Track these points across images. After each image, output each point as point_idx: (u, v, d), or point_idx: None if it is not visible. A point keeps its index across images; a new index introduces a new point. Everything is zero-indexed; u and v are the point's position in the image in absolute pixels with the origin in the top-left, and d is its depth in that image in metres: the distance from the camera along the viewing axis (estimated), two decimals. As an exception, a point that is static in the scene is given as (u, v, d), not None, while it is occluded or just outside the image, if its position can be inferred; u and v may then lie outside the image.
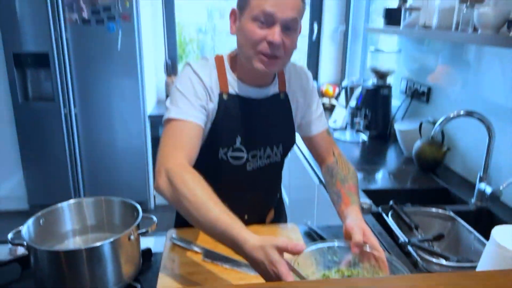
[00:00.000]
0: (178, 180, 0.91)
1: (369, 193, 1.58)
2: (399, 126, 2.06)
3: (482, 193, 1.49)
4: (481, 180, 1.49)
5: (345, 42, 3.52)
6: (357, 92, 2.50)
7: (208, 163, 1.10)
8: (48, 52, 2.91)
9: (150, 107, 3.29)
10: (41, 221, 0.99)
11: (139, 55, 3.01)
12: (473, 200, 1.52)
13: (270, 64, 1.02)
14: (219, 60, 1.12)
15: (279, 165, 1.25)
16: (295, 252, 0.80)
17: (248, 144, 1.14)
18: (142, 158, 3.22)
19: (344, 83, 2.81)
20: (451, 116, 1.46)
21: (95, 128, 3.12)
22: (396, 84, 2.42)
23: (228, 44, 3.92)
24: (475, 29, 1.45)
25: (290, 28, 1.00)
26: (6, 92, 2.99)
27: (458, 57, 1.86)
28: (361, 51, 3.27)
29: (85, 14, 2.87)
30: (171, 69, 3.66)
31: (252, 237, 0.81)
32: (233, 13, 1.07)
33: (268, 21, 0.98)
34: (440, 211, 1.42)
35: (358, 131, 2.42)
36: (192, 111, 1.03)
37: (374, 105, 2.35)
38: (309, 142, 1.29)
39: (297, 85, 1.21)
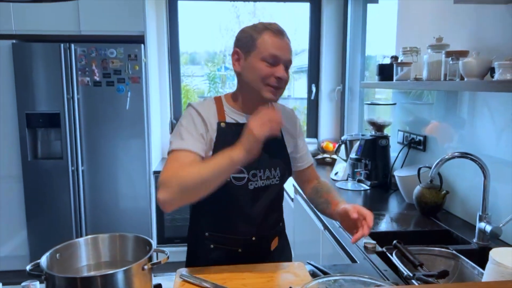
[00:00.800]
0: (166, 178, 1.11)
1: (373, 235, 1.61)
2: (398, 173, 2.12)
3: (482, 232, 1.52)
4: (480, 219, 1.53)
5: (343, 100, 3.69)
6: (357, 144, 2.60)
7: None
8: (59, 112, 3.06)
9: (155, 164, 3.38)
10: (57, 256, 1.03)
11: (147, 114, 3.15)
12: (474, 240, 1.55)
13: (277, 93, 1.26)
14: (217, 97, 1.35)
15: (278, 188, 1.38)
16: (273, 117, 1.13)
17: (248, 165, 1.22)
18: (146, 215, 3.25)
19: (343, 137, 2.92)
20: (446, 157, 1.54)
21: (101, 184, 3.18)
22: (394, 135, 2.53)
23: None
24: (462, 78, 1.58)
25: (287, 67, 1.27)
26: (16, 151, 3.10)
27: (450, 107, 1.98)
28: (358, 107, 3.43)
29: (97, 77, 3.06)
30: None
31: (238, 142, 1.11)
32: (235, 53, 1.28)
33: (274, 61, 1.22)
34: (444, 250, 1.44)
35: (359, 181, 2.48)
36: (191, 141, 1.20)
37: (373, 155, 2.43)
38: (296, 175, 1.49)
39: (288, 124, 1.40)
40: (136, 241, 1.10)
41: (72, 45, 3.01)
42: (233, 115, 1.30)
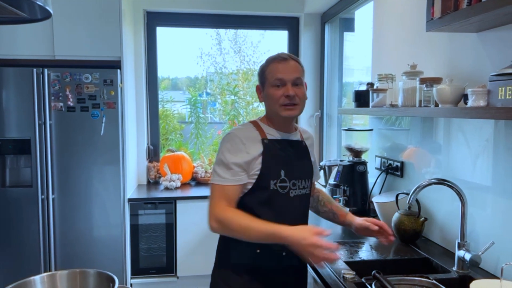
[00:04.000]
0: (224, 218, 1.35)
1: (352, 265, 1.57)
2: (377, 200, 2.10)
3: (462, 260, 1.49)
4: (459, 247, 1.51)
5: (321, 125, 3.70)
6: (335, 170, 2.58)
7: (264, 193, 1.42)
8: (30, 138, 2.95)
9: (130, 191, 3.28)
10: (10, 296, 0.94)
11: (122, 140, 3.07)
12: (454, 268, 1.52)
13: (292, 109, 1.43)
14: (253, 121, 1.52)
15: (308, 197, 1.56)
16: (325, 234, 1.25)
17: (289, 175, 1.45)
18: (120, 245, 3.11)
19: (322, 163, 2.90)
20: (424, 184, 1.52)
21: (73, 213, 3.05)
22: (371, 161, 2.52)
23: (209, 133, 4.08)
24: (436, 105, 1.58)
25: (298, 84, 1.43)
26: (-17, 179, 2.96)
27: (426, 133, 1.98)
28: (336, 133, 3.43)
29: (71, 102, 2.98)
30: (153, 154, 3.73)
31: (286, 227, 1.27)
32: (258, 89, 1.52)
33: (281, 83, 1.41)
34: (424, 280, 1.40)
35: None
36: (235, 175, 1.39)
37: (351, 181, 2.41)
38: None
39: (308, 142, 1.61)
40: (99, 277, 1.02)
41: (46, 70, 2.94)
42: (271, 133, 1.48)
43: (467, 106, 1.35)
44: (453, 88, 1.48)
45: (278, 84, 1.41)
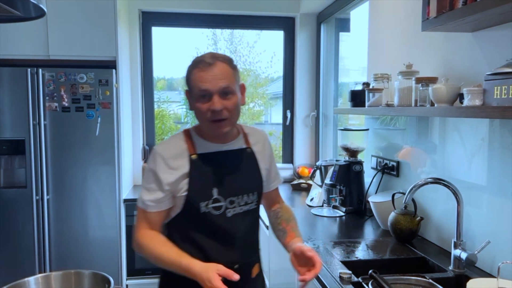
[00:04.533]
0: (141, 243, 1.26)
1: (348, 264, 1.56)
2: (373, 199, 2.10)
3: (458, 259, 1.49)
4: (455, 246, 1.51)
5: (317, 125, 3.70)
6: (331, 170, 2.58)
7: (193, 218, 1.27)
8: (24, 139, 2.93)
9: (126, 192, 3.26)
10: (4, 297, 0.93)
11: (118, 140, 3.06)
12: (450, 267, 1.52)
13: (221, 126, 1.24)
14: (186, 131, 1.34)
15: (256, 212, 1.38)
16: (231, 278, 1.10)
17: (225, 193, 1.29)
18: (116, 246, 3.10)
19: (318, 163, 2.90)
20: (420, 183, 1.52)
21: (68, 214, 3.03)
22: (367, 160, 2.52)
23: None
24: (432, 104, 1.58)
25: (228, 92, 1.22)
26: (-23, 180, 2.94)
27: (422, 132, 1.99)
28: (332, 133, 3.43)
29: (66, 103, 2.97)
30: (148, 155, 3.71)
31: (198, 262, 1.17)
32: (187, 93, 1.30)
33: (207, 95, 1.20)
34: (420, 279, 1.41)
35: (334, 207, 2.45)
36: (156, 201, 1.26)
37: (348, 181, 2.41)
38: (264, 196, 1.46)
39: (259, 146, 1.41)
40: (94, 278, 1.02)
41: (40, 70, 2.92)
42: (202, 146, 1.30)
43: (463, 105, 1.36)
44: (448, 88, 1.48)
45: (203, 95, 1.20)
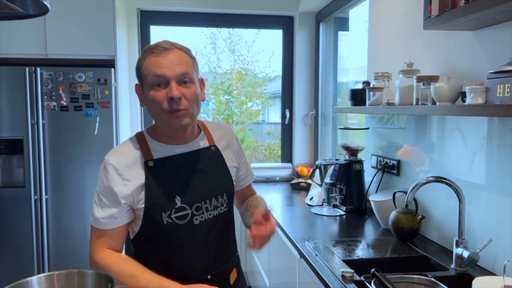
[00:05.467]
0: (103, 266, 1.12)
1: (350, 263, 1.56)
2: (374, 198, 2.10)
3: (460, 258, 1.49)
4: (457, 244, 1.51)
5: (316, 125, 3.70)
6: (331, 169, 2.58)
7: (156, 230, 1.15)
8: (22, 138, 2.91)
9: (125, 192, 3.24)
10: (6, 297, 0.92)
11: (116, 139, 3.04)
12: (452, 266, 1.52)
13: (180, 116, 1.10)
14: (139, 135, 1.21)
15: (228, 215, 1.27)
16: None
17: (189, 200, 1.17)
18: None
19: (317, 162, 2.90)
20: (422, 182, 1.52)
21: (67, 214, 3.02)
22: (367, 159, 2.52)
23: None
24: (434, 103, 1.58)
25: (187, 81, 1.10)
26: (-26, 180, 2.92)
27: (422, 131, 1.99)
28: (331, 132, 3.43)
29: (64, 102, 2.95)
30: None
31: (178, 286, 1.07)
32: (137, 88, 1.18)
33: (163, 82, 1.08)
34: (423, 277, 1.40)
35: (334, 206, 2.45)
36: (103, 219, 1.14)
37: (348, 180, 2.41)
38: (236, 194, 1.38)
39: (224, 142, 1.30)
40: (97, 277, 1.01)
41: (38, 69, 2.91)
42: (159, 150, 1.17)
43: (465, 103, 1.36)
44: (450, 86, 1.48)
45: (158, 82, 1.08)
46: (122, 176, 1.12)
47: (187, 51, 1.14)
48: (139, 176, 1.13)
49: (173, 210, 1.14)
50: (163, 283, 1.07)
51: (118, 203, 1.13)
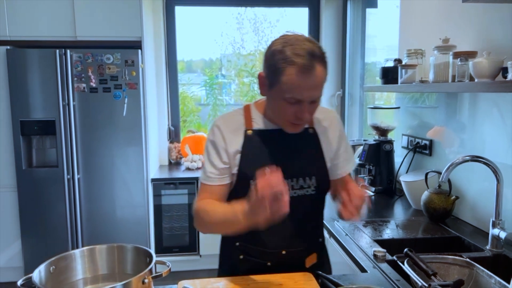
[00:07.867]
0: (196, 209, 1.19)
1: (382, 243, 1.55)
2: (404, 179, 2.07)
3: (496, 238, 1.46)
4: (494, 225, 1.48)
5: (343, 105, 3.64)
6: (359, 149, 2.54)
7: (243, 196, 1.12)
8: (55, 119, 2.99)
9: (153, 172, 3.31)
10: (51, 269, 0.96)
11: (144, 121, 3.09)
12: (488, 247, 1.49)
13: (298, 127, 1.18)
14: (246, 106, 1.29)
15: (315, 199, 1.27)
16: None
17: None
18: (144, 224, 3.17)
19: (345, 142, 2.86)
20: (457, 161, 1.48)
21: (98, 193, 3.10)
22: (398, 140, 2.48)
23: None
24: (471, 79, 1.53)
25: (316, 100, 1.14)
26: (10, 159, 3.02)
27: (456, 110, 1.93)
28: (358, 112, 3.38)
29: (93, 83, 3.00)
30: (174, 135, 3.74)
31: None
32: (260, 77, 1.18)
33: (297, 102, 1.11)
34: (458, 258, 1.38)
35: (363, 187, 2.42)
36: (215, 175, 1.21)
37: (377, 161, 2.38)
38: (332, 184, 1.31)
39: (324, 126, 1.29)
40: (136, 252, 1.04)
41: (68, 51, 2.95)
42: (260, 122, 1.24)
43: (506, 79, 1.30)
44: (490, 62, 1.43)
45: (293, 101, 1.11)
46: (225, 138, 1.22)
47: (324, 64, 1.11)
48: (238, 142, 1.22)
49: None
50: (235, 206, 1.08)
51: (224, 162, 1.21)
